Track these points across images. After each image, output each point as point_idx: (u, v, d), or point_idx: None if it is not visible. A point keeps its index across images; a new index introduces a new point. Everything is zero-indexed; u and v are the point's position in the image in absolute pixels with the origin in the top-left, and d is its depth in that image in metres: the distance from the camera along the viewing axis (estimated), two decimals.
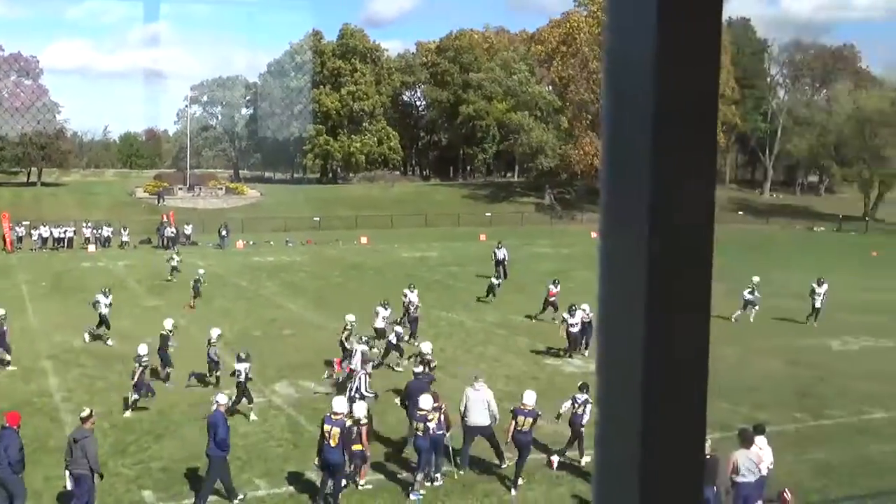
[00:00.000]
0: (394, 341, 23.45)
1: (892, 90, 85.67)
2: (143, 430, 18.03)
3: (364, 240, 60.70)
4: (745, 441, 13.64)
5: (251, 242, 58.35)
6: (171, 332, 22.55)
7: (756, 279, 30.44)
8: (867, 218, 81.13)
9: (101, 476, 13.98)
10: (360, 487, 15.07)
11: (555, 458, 16.19)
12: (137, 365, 19.44)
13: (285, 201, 79.16)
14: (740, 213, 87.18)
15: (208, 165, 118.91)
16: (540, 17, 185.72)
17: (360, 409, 15.40)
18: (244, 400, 19.14)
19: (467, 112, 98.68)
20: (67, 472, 13.68)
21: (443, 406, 15.76)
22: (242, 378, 19.08)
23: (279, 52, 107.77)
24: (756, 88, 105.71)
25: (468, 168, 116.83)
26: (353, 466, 15.02)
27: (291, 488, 15.25)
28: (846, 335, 28.30)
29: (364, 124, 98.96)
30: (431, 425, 15.02)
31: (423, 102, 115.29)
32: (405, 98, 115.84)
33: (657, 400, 0.68)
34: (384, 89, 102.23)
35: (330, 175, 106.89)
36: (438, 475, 15.33)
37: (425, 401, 15.42)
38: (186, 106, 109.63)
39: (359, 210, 74.42)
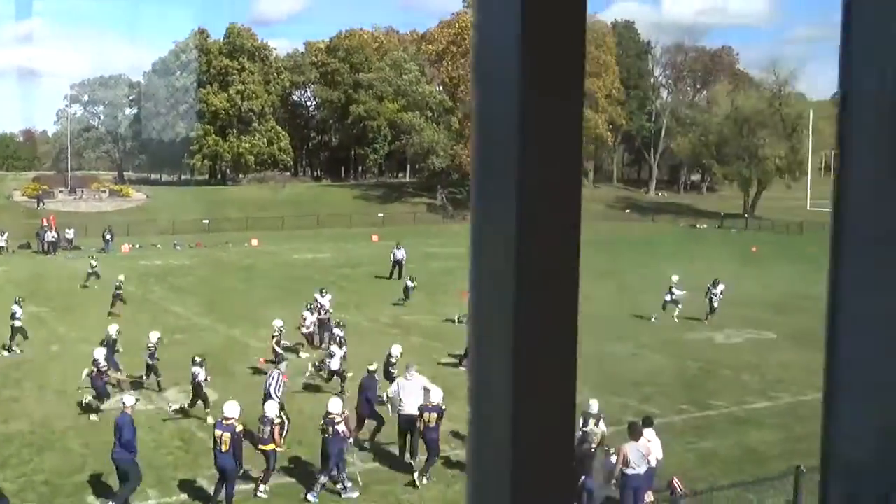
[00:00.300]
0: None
1: (769, 91, 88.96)
2: (24, 443, 17.37)
3: (255, 242, 59.78)
4: (635, 434, 13.97)
5: (137, 246, 56.80)
6: (115, 338, 22.49)
7: (675, 278, 31.03)
8: (747, 215, 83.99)
9: None
10: (256, 495, 14.90)
11: None
12: (95, 370, 19.33)
13: (173, 203, 77.34)
14: (627, 210, 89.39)
15: (91, 167, 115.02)
16: (429, 18, 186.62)
17: (271, 409, 15.54)
18: (200, 403, 19.15)
19: (358, 112, 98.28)
20: None
21: (345, 412, 15.79)
22: (200, 380, 19.06)
23: (164, 51, 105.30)
24: (640, 89, 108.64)
25: (360, 168, 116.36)
26: (266, 466, 15.11)
27: (184, 496, 14.95)
28: (730, 328, 29.27)
29: (253, 124, 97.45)
30: (340, 428, 15.02)
31: (314, 102, 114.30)
32: (295, 98, 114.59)
33: (527, 398, 0.69)
34: (273, 89, 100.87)
35: (219, 176, 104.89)
36: (344, 475, 15.28)
37: (334, 404, 15.41)
38: (67, 105, 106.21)
39: (249, 212, 73.27)
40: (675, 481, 14.11)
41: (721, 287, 30.92)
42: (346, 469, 15.39)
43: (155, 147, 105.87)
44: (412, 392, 16.34)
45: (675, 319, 30.06)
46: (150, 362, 21.51)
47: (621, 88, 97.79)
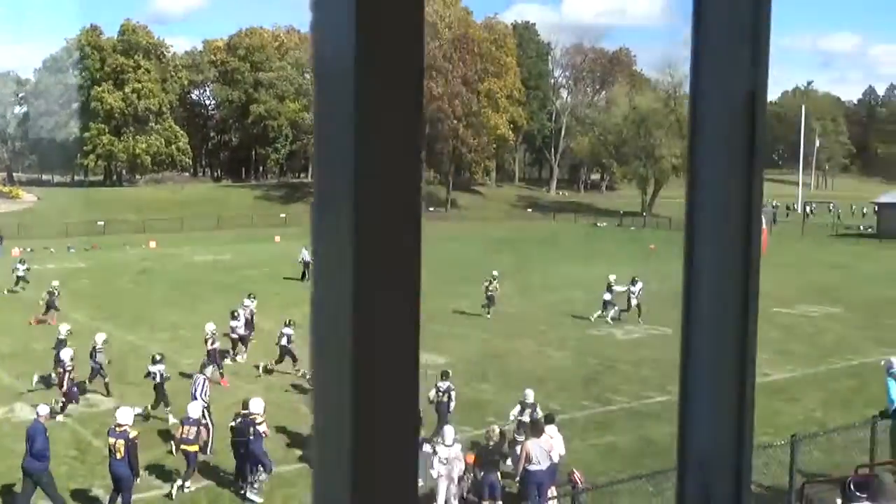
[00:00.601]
0: (285, 343, 23.66)
1: (664, 92, 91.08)
2: None
3: (153, 244, 58.41)
4: (536, 430, 14.12)
5: (28, 249, 54.73)
6: (65, 338, 21.98)
7: (613, 277, 31.17)
8: (645, 213, 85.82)
9: None
10: (172, 496, 14.70)
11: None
12: (62, 370, 19.32)
13: (65, 205, 75.01)
14: (529, 209, 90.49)
15: None
16: None
17: (195, 410, 15.60)
18: (161, 404, 18.91)
19: (259, 112, 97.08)
20: None
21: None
22: (158, 380, 18.99)
23: (55, 48, 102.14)
24: (541, 90, 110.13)
25: (261, 169, 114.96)
26: (188, 467, 15.15)
27: None
28: (630, 324, 29.81)
29: (150, 124, 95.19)
30: (261, 429, 15.03)
31: (213, 102, 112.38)
32: (194, 97, 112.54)
33: (368, 400, 0.68)
34: (171, 87, 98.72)
35: (114, 177, 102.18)
36: (263, 476, 15.20)
37: (256, 404, 15.41)
38: None
39: (146, 213, 71.57)
40: (576, 474, 14.30)
41: (640, 285, 31.19)
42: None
43: (46, 147, 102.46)
44: None
45: (610, 320, 30.20)
46: (93, 365, 21.02)
47: (522, 89, 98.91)
